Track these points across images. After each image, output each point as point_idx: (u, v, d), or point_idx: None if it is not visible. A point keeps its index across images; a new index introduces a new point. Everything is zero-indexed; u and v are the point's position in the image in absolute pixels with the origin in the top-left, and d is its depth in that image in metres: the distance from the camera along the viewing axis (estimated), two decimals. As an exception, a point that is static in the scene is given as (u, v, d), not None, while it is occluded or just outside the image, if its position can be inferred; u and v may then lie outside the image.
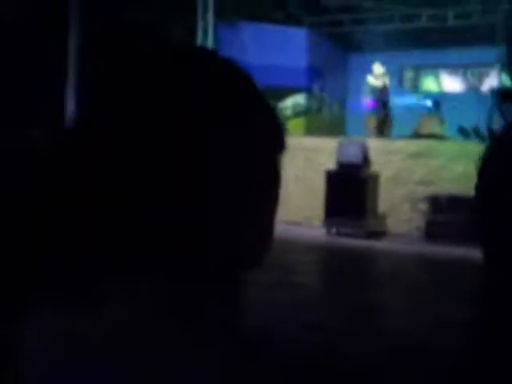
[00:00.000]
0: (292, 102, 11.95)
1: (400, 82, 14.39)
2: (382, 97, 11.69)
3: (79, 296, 0.51)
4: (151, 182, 0.52)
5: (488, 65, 13.15)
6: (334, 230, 9.13)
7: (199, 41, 10.71)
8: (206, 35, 10.79)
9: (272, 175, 0.60)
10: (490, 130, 11.77)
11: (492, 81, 13.40)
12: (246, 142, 0.57)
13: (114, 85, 0.57)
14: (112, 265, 0.52)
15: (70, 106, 7.80)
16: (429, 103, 12.05)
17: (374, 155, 9.56)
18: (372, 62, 12.38)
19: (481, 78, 14.00)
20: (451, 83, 14.43)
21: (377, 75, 11.71)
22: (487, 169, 0.68)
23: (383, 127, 11.52)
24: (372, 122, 11.54)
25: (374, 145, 9.70)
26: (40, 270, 0.52)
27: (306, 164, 9.58)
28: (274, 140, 0.61)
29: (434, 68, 14.14)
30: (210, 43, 10.78)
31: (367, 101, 12.29)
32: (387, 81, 11.81)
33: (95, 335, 0.49)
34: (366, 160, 9.35)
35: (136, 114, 0.54)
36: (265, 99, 0.62)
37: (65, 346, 0.49)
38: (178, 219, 0.52)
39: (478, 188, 0.70)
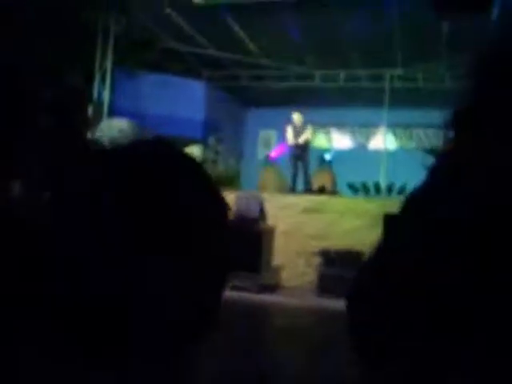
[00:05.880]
0: (189, 154, 11.95)
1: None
2: (298, 151, 11.30)
3: None
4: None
5: (375, 125, 13.99)
6: (229, 284, 9.11)
7: (96, 88, 10.56)
8: (104, 83, 10.67)
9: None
10: (377, 186, 12.46)
11: (378, 140, 14.25)
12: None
13: None
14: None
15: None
16: (327, 157, 12.58)
17: (269, 209, 9.76)
18: (268, 116, 12.73)
19: (368, 137, 14.86)
20: (341, 140, 15.18)
21: (296, 126, 11.37)
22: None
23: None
24: (267, 175, 11.73)
25: (270, 199, 9.91)
26: None
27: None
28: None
29: (325, 126, 14.82)
30: (107, 91, 10.65)
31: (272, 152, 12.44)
32: (309, 135, 11.49)
33: None
34: (262, 214, 9.52)
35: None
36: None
37: None
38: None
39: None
